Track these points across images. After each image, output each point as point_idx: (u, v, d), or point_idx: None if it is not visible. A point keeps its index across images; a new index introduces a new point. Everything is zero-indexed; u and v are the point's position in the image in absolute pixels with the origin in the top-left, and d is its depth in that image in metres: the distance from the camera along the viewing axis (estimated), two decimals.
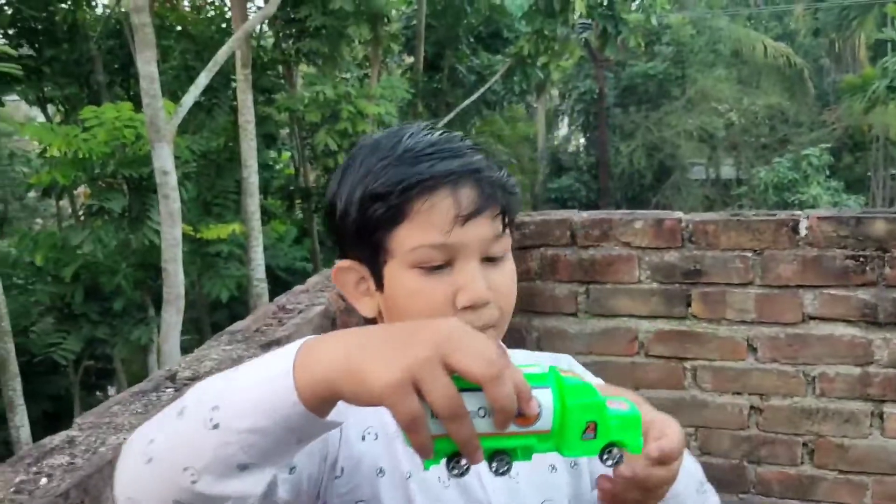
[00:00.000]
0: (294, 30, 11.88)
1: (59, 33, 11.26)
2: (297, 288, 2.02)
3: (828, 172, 19.47)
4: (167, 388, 1.41)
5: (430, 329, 0.61)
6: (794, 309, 2.51)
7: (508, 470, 0.62)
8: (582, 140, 24.81)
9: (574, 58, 15.03)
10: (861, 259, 2.42)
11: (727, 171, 24.77)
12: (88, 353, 10.28)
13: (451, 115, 13.43)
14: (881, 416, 2.48)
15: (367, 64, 13.49)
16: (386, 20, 11.91)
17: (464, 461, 0.61)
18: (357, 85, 11.71)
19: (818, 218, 2.45)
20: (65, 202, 13.59)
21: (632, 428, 0.65)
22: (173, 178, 7.08)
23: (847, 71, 27.01)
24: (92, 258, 9.07)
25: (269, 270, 10.50)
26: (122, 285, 9.28)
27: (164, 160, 6.94)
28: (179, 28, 12.05)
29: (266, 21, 11.15)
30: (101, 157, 8.63)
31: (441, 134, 0.87)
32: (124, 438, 1.19)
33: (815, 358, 2.49)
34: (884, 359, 2.44)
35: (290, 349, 0.65)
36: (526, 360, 0.79)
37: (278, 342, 1.65)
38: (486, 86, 13.51)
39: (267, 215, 12.90)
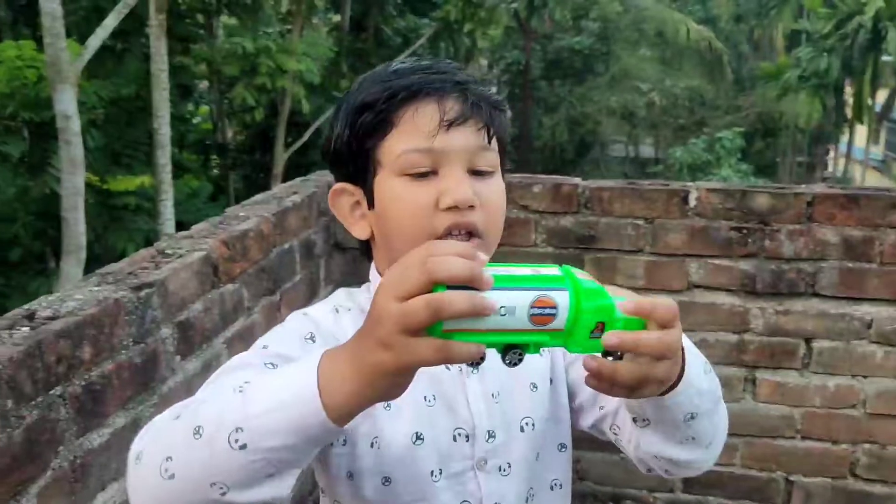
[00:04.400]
0: None
1: None
2: (181, 233, 1.96)
3: (739, 156, 20.15)
4: (23, 326, 1.34)
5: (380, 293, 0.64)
6: (681, 277, 2.59)
7: (520, 362, 0.66)
8: (508, 112, 24.88)
9: (500, 27, 15.01)
10: (744, 231, 2.52)
11: (646, 150, 25.38)
12: None
13: None
14: (754, 381, 2.60)
15: (291, 19, 13.12)
16: None
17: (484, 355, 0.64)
18: (278, 40, 11.39)
19: (707, 190, 2.53)
20: None
21: (635, 328, 0.68)
22: (76, 124, 6.76)
23: (764, 58, 27.91)
24: None
25: (181, 226, 10.17)
26: (20, 234, 8.85)
27: (67, 104, 6.60)
28: None
29: None
30: None
31: (432, 60, 0.92)
32: None
33: (697, 325, 2.59)
34: (759, 327, 2.56)
35: (309, 368, 0.67)
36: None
37: (151, 285, 1.59)
38: (411, 49, 13.36)
39: (181, 170, 12.49)
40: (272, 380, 0.70)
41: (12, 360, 1.21)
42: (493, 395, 0.91)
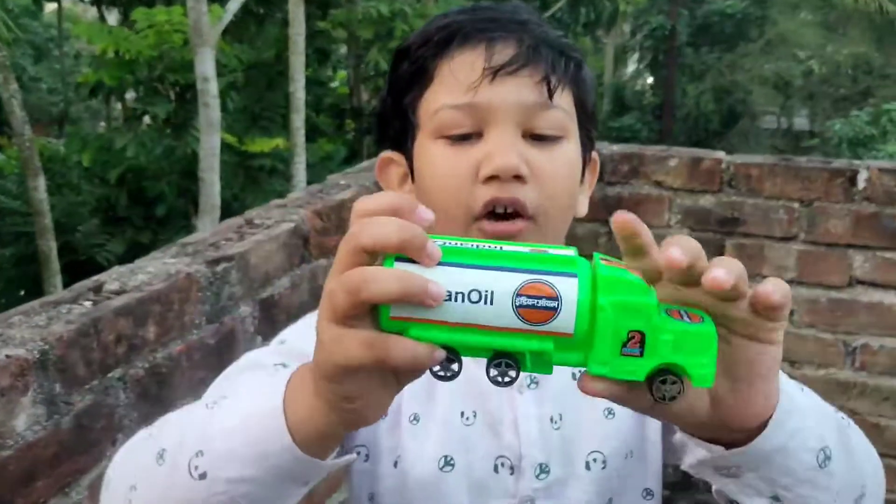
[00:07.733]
0: None
1: None
2: (274, 202, 1.83)
3: None
4: (87, 300, 1.24)
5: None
6: (841, 271, 2.23)
7: (512, 381, 0.46)
8: (650, 79, 23.83)
9: None
10: None
11: (801, 122, 23.67)
12: (130, 256, 10.43)
13: None
14: None
15: None
16: None
17: (452, 364, 0.45)
18: (414, 3, 11.31)
19: (879, 170, 2.16)
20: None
21: (700, 348, 0.45)
22: (214, 86, 6.94)
23: None
24: (136, 163, 9.07)
25: None
26: (166, 192, 9.30)
27: (206, 66, 6.79)
28: None
29: None
30: (148, 60, 8.54)
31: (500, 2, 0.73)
32: (6, 356, 1.03)
33: (858, 327, 2.23)
34: None
35: (283, 377, 0.53)
36: None
37: (230, 259, 1.46)
38: (549, 12, 12.95)
39: (317, 133, 12.75)
40: (245, 392, 0.56)
41: (62, 340, 1.10)
42: (551, 418, 0.71)
